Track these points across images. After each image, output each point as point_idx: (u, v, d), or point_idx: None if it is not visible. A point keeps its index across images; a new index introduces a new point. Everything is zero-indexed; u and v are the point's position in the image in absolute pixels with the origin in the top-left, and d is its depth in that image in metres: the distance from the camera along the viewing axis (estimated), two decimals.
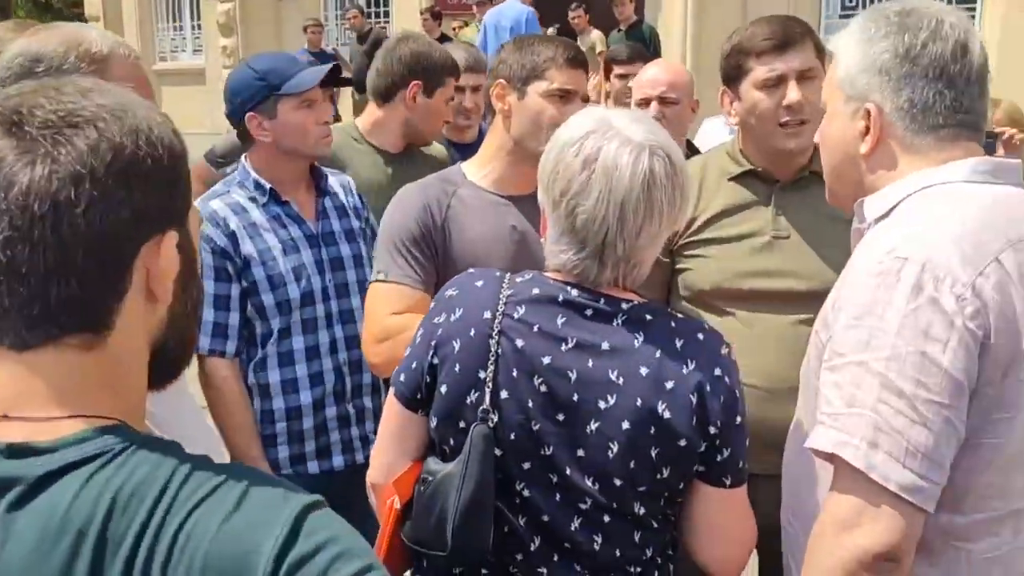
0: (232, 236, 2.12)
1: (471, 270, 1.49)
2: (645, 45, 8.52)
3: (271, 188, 2.18)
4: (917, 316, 1.11)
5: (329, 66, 2.23)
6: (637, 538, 1.35)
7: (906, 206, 1.25)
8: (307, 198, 2.26)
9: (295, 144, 2.17)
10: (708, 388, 1.30)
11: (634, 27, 8.84)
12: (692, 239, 1.94)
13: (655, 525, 1.36)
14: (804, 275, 1.85)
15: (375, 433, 2.20)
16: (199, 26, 13.82)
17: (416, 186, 2.01)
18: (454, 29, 10.27)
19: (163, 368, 0.86)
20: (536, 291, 1.36)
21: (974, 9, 8.02)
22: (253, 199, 2.18)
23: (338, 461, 2.22)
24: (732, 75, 1.94)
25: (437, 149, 2.83)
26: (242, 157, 2.27)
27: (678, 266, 1.97)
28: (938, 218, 1.19)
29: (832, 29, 6.98)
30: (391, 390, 1.46)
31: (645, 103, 2.70)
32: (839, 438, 1.14)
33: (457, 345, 1.35)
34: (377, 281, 1.93)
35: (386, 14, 11.69)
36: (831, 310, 1.24)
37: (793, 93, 1.84)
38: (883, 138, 1.29)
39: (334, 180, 2.33)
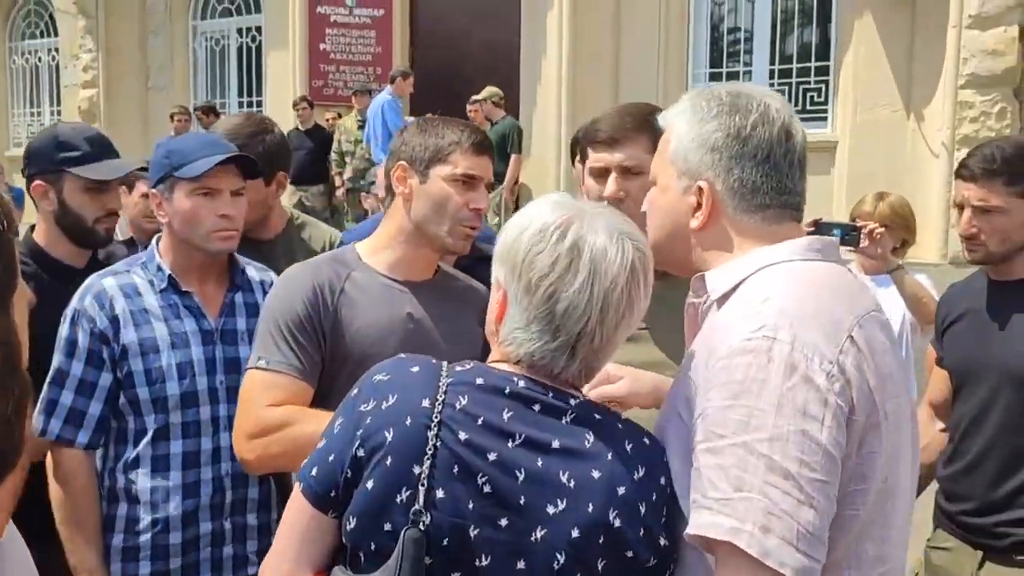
0: (115, 320, 1.98)
1: (401, 355, 1.36)
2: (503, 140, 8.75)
3: (170, 275, 2.03)
4: (794, 394, 1.13)
5: (222, 156, 2.03)
6: None
7: (752, 283, 1.27)
8: (216, 291, 2.11)
9: (184, 232, 2.04)
10: (656, 497, 1.23)
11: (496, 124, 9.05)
12: None
13: None
14: (668, 366, 1.79)
15: (256, 554, 2.02)
16: (59, 112, 13.26)
17: (306, 266, 1.88)
18: (328, 120, 10.20)
19: None
20: (480, 380, 1.26)
21: (826, 111, 8.55)
22: (151, 283, 2.04)
23: None
24: (582, 155, 2.00)
25: None
26: (154, 239, 2.14)
27: None
28: (793, 297, 1.21)
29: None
30: (297, 486, 1.30)
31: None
32: (731, 524, 1.11)
33: (390, 435, 1.22)
34: (256, 368, 1.77)
35: (259, 103, 11.53)
36: (700, 390, 1.21)
37: (609, 186, 1.87)
38: (714, 215, 1.32)
39: (255, 275, 2.18)
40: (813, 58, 8.64)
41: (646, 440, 1.27)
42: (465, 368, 1.29)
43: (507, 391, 1.24)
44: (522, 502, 1.19)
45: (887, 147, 7.95)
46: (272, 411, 1.73)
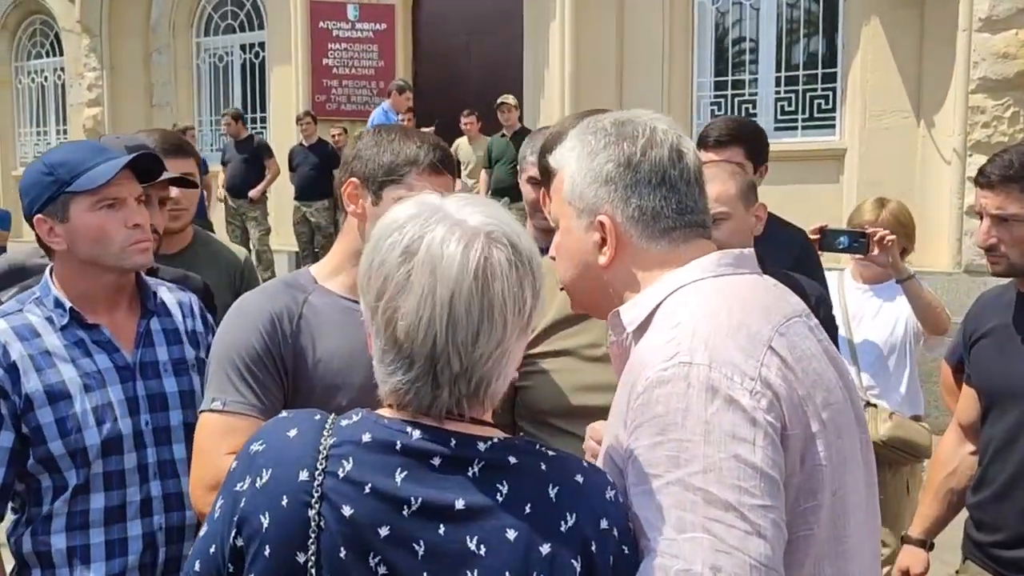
0: (12, 368, 1.71)
1: (283, 413, 1.19)
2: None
3: (71, 308, 1.78)
4: (719, 419, 1.08)
5: (128, 157, 1.80)
6: None
7: (665, 310, 1.22)
8: (127, 319, 1.86)
9: (92, 253, 1.78)
10: (595, 547, 1.05)
11: (518, 133, 8.88)
12: (529, 352, 1.70)
13: None
14: None
15: None
16: (65, 131, 13.26)
17: (259, 294, 1.72)
18: (333, 136, 10.12)
19: None
20: (367, 437, 1.07)
21: (834, 118, 8.43)
22: (50, 320, 1.77)
23: None
24: (544, 177, 1.86)
25: None
26: (46, 270, 1.87)
27: (517, 384, 1.72)
28: (705, 316, 1.16)
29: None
30: None
31: None
32: (679, 567, 1.04)
33: (266, 520, 1.05)
34: (211, 411, 1.60)
35: (263, 120, 11.49)
36: (627, 431, 1.14)
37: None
38: (621, 247, 1.28)
39: (169, 297, 1.95)
40: (820, 65, 8.51)
41: (579, 478, 1.07)
42: (352, 421, 1.10)
43: (398, 446, 1.05)
44: None
45: (897, 154, 7.80)
46: (232, 459, 1.59)
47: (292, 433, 1.10)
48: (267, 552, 1.04)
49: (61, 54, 13.07)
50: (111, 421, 1.76)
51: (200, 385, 1.87)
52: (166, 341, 1.90)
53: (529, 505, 1.04)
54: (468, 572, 1.02)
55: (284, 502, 1.05)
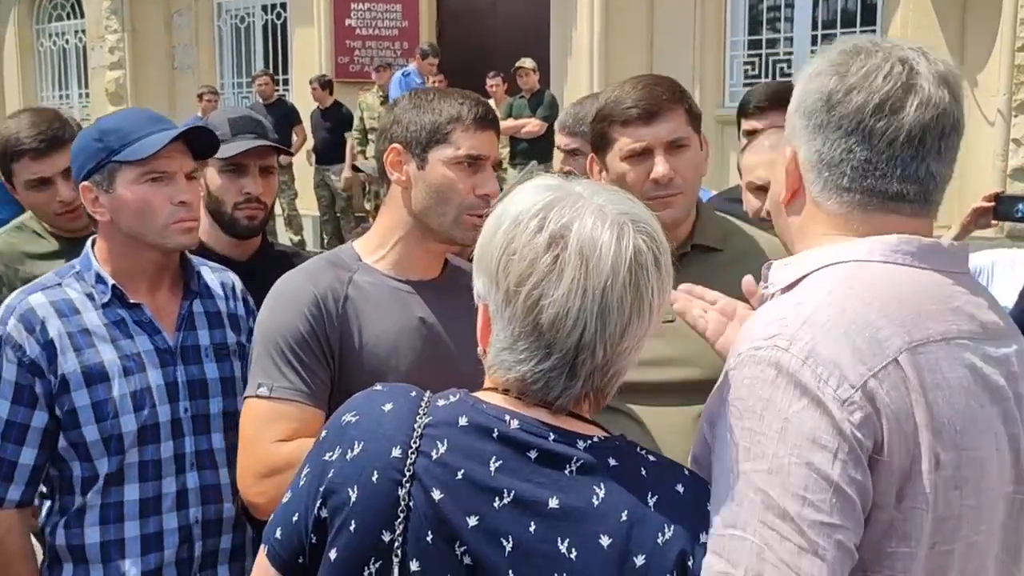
0: (49, 346, 1.63)
1: (377, 386, 1.14)
2: (548, 109, 8.51)
3: (114, 285, 1.70)
4: (801, 419, 0.97)
5: (181, 128, 1.73)
6: None
7: (809, 282, 1.10)
8: (169, 300, 1.77)
9: (135, 228, 1.69)
10: (692, 562, 0.98)
11: (536, 95, 8.78)
12: None
13: None
14: (699, 362, 1.57)
15: None
16: (87, 94, 13.21)
17: (302, 274, 1.63)
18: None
19: None
20: (464, 420, 1.03)
21: None
22: (91, 296, 1.69)
23: None
24: (598, 144, 1.77)
25: None
26: (87, 241, 1.79)
27: None
28: (831, 303, 1.03)
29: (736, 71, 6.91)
30: (262, 549, 1.10)
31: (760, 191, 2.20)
32: (719, 567, 0.97)
33: (354, 494, 1.01)
34: (256, 397, 1.53)
35: (285, 82, 11.36)
36: (717, 403, 1.07)
37: (660, 167, 1.68)
38: (799, 189, 1.16)
39: (213, 278, 1.86)
40: (859, 23, 8.25)
41: (680, 487, 1.02)
42: (449, 402, 1.06)
43: (496, 434, 1.01)
44: None
45: None
46: (282, 447, 1.50)
47: (387, 407, 1.06)
48: (352, 527, 1.01)
49: (82, 16, 12.98)
50: (149, 407, 1.68)
51: (241, 371, 1.79)
52: (208, 324, 1.81)
53: (626, 512, 0.99)
54: (556, 575, 0.96)
55: (374, 477, 1.01)
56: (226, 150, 2.02)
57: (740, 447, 1.00)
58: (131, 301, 1.72)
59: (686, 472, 1.07)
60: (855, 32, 8.24)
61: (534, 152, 8.61)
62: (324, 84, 9.75)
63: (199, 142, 1.76)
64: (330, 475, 1.03)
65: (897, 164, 1.08)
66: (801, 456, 0.96)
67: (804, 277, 1.11)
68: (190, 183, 1.74)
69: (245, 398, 1.59)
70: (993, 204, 2.77)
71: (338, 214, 9.88)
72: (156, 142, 1.66)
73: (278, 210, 9.71)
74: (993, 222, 2.73)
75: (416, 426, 1.03)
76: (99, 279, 1.71)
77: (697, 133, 1.76)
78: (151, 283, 1.76)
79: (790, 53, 8.63)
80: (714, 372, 1.57)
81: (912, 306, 1.04)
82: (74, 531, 1.66)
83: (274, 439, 1.51)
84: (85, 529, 1.65)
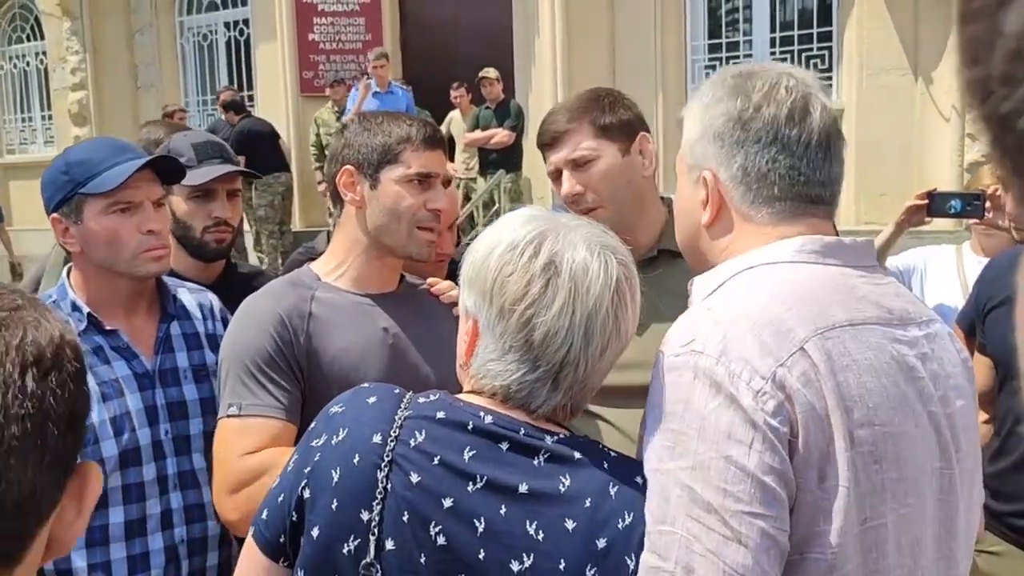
0: None
1: (364, 384, 1.24)
2: (515, 119, 8.57)
3: (89, 312, 1.73)
4: (717, 416, 1.02)
5: (147, 158, 1.74)
6: None
7: (725, 287, 1.15)
8: (146, 323, 1.80)
9: (105, 258, 1.72)
10: None
11: (502, 104, 8.83)
12: None
13: None
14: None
15: None
16: (50, 116, 13.09)
17: (265, 295, 1.67)
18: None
19: None
20: (441, 414, 1.12)
21: (830, 78, 8.32)
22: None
23: None
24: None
25: None
26: (63, 270, 1.81)
27: None
28: (739, 305, 1.09)
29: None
30: (250, 531, 1.17)
31: None
32: (652, 561, 1.02)
33: (336, 475, 1.09)
34: (228, 417, 1.57)
35: (251, 98, 11.32)
36: (647, 408, 1.12)
37: (565, 184, 1.79)
38: (722, 208, 1.20)
39: (190, 299, 1.87)
40: (815, 24, 8.39)
41: (639, 479, 1.09)
42: (428, 400, 1.15)
43: (470, 427, 1.10)
44: (481, 557, 1.04)
45: (895, 112, 7.72)
46: (248, 459, 1.53)
47: (371, 400, 1.15)
48: (334, 505, 1.08)
49: (42, 38, 12.86)
50: (129, 431, 1.70)
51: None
52: (186, 346, 1.83)
53: (590, 499, 1.06)
54: (524, 555, 1.04)
55: (356, 460, 1.09)
56: (194, 176, 2.04)
57: (665, 448, 1.05)
58: (107, 328, 1.74)
59: (644, 467, 1.14)
60: (812, 32, 8.38)
61: (503, 162, 8.67)
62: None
63: (165, 169, 1.79)
64: (315, 458, 1.11)
65: (814, 168, 1.16)
66: (720, 451, 1.01)
67: (720, 286, 1.16)
68: (158, 211, 1.76)
69: (218, 420, 1.62)
70: (927, 202, 2.78)
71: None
72: (121, 173, 1.69)
73: (247, 227, 9.68)
74: (926, 219, 2.79)
75: (397, 417, 1.11)
76: (75, 307, 1.74)
77: (619, 142, 1.79)
78: (127, 309, 1.79)
79: (750, 55, 8.74)
80: None
81: (817, 298, 1.09)
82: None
83: (242, 453, 1.53)
84: (71, 553, 1.66)
